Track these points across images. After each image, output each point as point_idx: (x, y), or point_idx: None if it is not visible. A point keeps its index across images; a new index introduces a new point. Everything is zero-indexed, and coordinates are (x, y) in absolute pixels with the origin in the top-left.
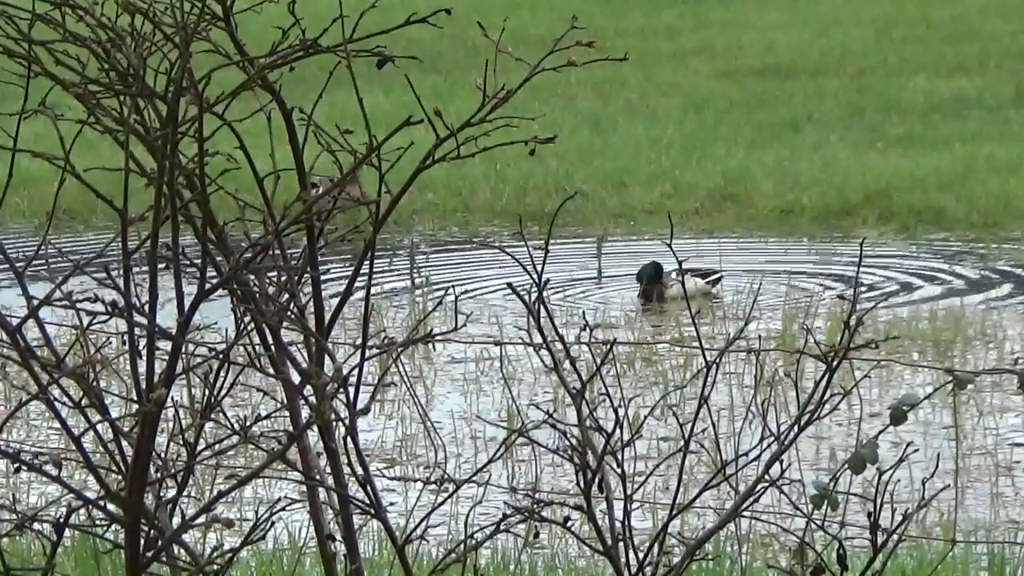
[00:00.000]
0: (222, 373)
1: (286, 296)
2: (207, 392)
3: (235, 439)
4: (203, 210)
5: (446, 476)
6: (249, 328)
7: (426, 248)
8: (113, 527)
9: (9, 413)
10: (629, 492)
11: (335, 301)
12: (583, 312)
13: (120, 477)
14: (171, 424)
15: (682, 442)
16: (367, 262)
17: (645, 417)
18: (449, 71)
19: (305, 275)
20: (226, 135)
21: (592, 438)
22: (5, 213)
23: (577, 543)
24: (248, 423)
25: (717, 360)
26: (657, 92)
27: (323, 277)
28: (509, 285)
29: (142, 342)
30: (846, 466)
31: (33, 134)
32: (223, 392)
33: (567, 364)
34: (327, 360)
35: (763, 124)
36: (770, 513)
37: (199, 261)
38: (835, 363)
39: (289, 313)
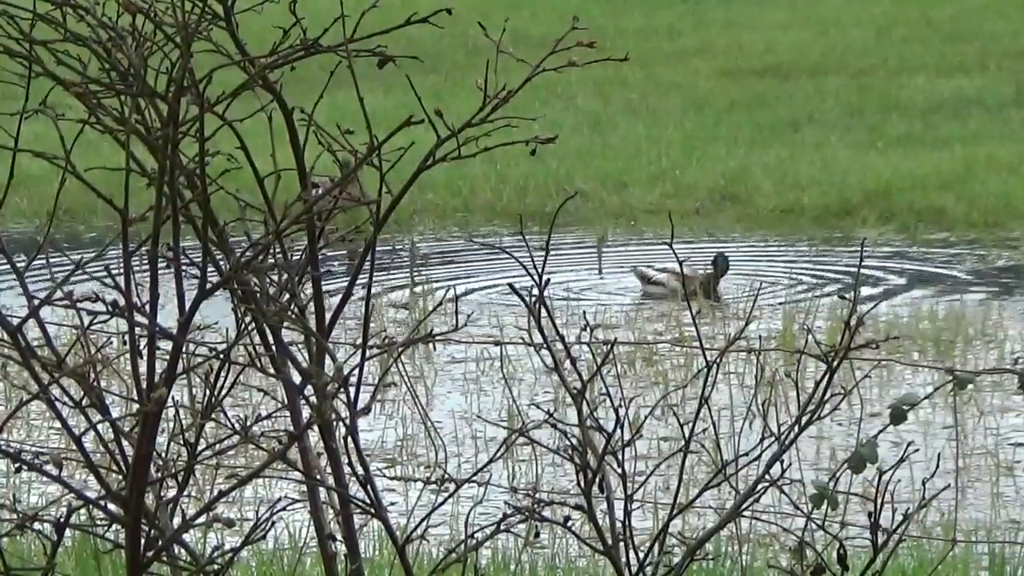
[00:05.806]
0: (222, 373)
1: (287, 296)
2: (207, 392)
3: (235, 439)
4: (204, 210)
5: (446, 476)
6: (249, 328)
7: (426, 248)
8: (113, 527)
9: (9, 413)
10: (629, 492)
11: (335, 301)
12: (583, 312)
13: (120, 477)
14: (171, 424)
15: (682, 442)
16: (367, 262)
17: (645, 417)
18: (449, 71)
19: (306, 275)
20: (227, 135)
21: (592, 438)
22: (5, 213)
23: (577, 543)
24: (248, 423)
25: (717, 360)
26: (657, 92)
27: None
28: (510, 286)
29: (143, 342)
30: (846, 466)
31: (33, 134)
32: (223, 392)
33: (567, 364)
34: (327, 360)
35: (763, 124)
36: (770, 513)
37: (199, 261)
38: (835, 363)
39: (290, 313)
